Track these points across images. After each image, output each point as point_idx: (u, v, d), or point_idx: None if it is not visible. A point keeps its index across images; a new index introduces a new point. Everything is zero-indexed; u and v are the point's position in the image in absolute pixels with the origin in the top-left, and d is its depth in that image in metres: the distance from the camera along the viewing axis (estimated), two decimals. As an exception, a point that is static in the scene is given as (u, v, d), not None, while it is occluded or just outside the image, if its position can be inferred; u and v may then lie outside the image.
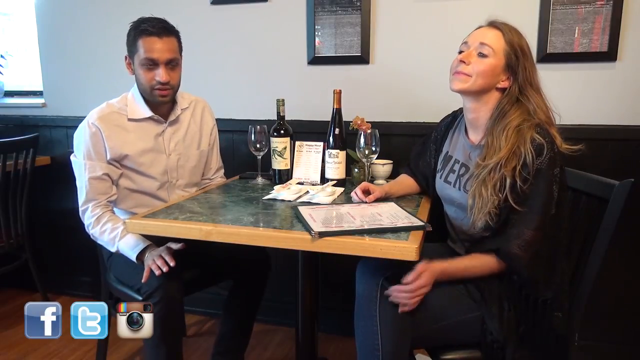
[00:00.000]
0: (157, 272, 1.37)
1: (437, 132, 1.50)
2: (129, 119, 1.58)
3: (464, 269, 1.22)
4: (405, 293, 1.14)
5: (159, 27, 1.49)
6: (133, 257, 1.46)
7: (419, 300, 1.15)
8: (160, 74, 1.50)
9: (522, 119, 1.19)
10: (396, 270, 1.21)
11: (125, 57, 1.57)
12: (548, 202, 1.14)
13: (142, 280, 1.39)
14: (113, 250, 1.50)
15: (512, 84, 1.23)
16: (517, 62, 1.22)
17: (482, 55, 1.22)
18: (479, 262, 1.21)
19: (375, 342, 1.16)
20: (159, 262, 1.38)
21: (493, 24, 1.26)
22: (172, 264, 1.37)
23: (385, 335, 1.15)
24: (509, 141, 1.17)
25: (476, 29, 1.29)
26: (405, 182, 1.56)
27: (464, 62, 1.24)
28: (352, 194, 1.43)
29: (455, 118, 1.46)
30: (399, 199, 1.48)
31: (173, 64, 1.54)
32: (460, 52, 1.27)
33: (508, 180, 1.15)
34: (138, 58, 1.51)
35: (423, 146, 1.55)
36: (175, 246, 1.42)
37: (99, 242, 1.54)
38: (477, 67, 1.22)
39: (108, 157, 1.53)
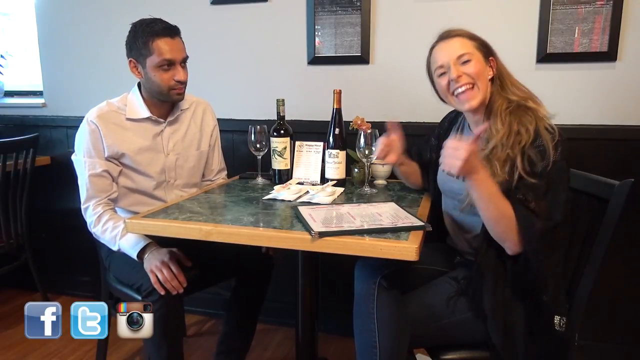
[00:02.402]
0: (167, 286, 1.38)
1: (440, 127, 1.52)
2: (127, 119, 1.59)
3: (486, 192, 1.14)
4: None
5: (169, 28, 1.51)
6: (134, 256, 1.46)
7: (451, 164, 1.11)
8: (179, 73, 1.52)
9: (508, 101, 1.23)
10: (394, 268, 1.21)
11: (130, 61, 1.54)
12: (566, 195, 1.14)
13: (154, 284, 1.39)
14: (115, 248, 1.50)
15: (495, 72, 1.27)
16: (488, 50, 1.27)
17: (466, 62, 1.24)
18: (504, 206, 1.14)
19: (373, 340, 1.16)
20: (167, 273, 1.39)
21: (449, 35, 1.29)
22: (183, 283, 1.40)
23: (382, 332, 1.16)
24: (505, 122, 1.19)
25: (435, 50, 1.31)
26: (414, 164, 1.57)
27: (460, 76, 1.24)
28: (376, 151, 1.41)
29: (459, 114, 1.47)
30: (400, 199, 1.48)
31: (185, 63, 1.56)
32: (442, 75, 1.28)
33: (519, 159, 1.14)
34: (153, 61, 1.49)
35: (426, 144, 1.57)
36: (179, 257, 1.46)
37: (101, 240, 1.54)
38: (471, 70, 1.23)
39: (106, 155, 1.54)
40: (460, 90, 1.25)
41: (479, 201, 1.18)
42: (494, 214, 1.15)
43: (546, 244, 1.14)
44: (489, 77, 1.27)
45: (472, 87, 1.24)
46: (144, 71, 1.53)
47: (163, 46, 1.48)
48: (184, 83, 1.55)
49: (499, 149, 1.19)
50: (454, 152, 1.10)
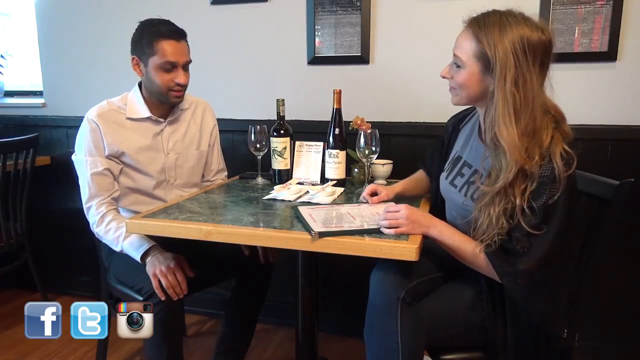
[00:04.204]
0: (169, 292, 1.38)
1: (445, 132, 1.45)
2: (128, 118, 1.59)
3: (450, 243, 1.16)
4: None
5: (176, 31, 1.52)
6: (137, 258, 1.46)
7: (395, 225, 1.12)
8: (180, 77, 1.52)
9: (520, 129, 1.06)
10: (416, 281, 1.17)
11: (133, 58, 1.55)
12: (558, 232, 1.06)
13: (155, 289, 1.39)
14: (117, 249, 1.50)
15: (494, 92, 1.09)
16: (490, 69, 1.08)
17: (457, 66, 1.16)
18: (470, 251, 1.15)
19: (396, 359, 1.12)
20: (171, 280, 1.38)
21: (466, 22, 1.15)
22: (185, 291, 1.40)
23: (406, 352, 1.11)
24: (511, 159, 1.06)
25: None
26: (421, 179, 1.55)
27: (445, 77, 1.20)
28: (361, 197, 1.44)
29: (465, 116, 1.40)
30: (399, 200, 1.48)
31: (187, 66, 1.57)
32: None
33: (518, 204, 1.06)
34: (155, 61, 1.50)
35: (435, 145, 1.51)
36: (183, 265, 1.45)
37: (104, 240, 1.54)
38: (457, 78, 1.16)
39: (106, 153, 1.54)
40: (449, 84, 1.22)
41: (448, 251, 1.18)
42: (467, 259, 1.16)
43: (540, 287, 1.09)
44: (491, 88, 1.09)
45: (455, 89, 1.20)
46: (146, 70, 1.53)
47: (167, 48, 1.49)
48: (183, 86, 1.55)
49: (502, 194, 1.09)
50: (395, 214, 1.13)
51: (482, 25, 1.10)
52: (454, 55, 1.16)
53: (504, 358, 1.17)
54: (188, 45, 1.57)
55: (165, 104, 1.61)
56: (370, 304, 1.17)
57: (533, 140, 1.07)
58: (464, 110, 1.42)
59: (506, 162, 1.07)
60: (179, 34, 1.52)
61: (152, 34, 1.50)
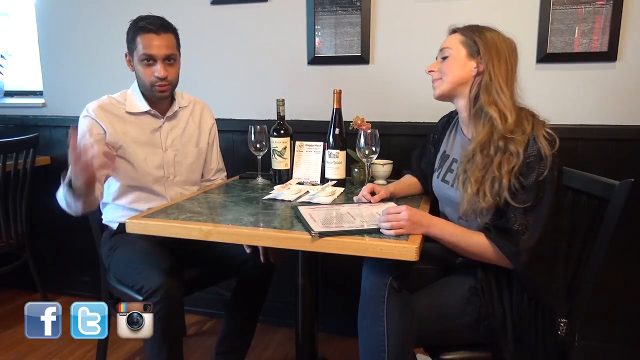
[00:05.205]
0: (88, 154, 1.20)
1: (435, 132, 1.52)
2: (127, 112, 1.61)
3: (453, 239, 1.19)
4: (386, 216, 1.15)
5: (157, 24, 1.52)
6: (67, 189, 1.34)
7: (397, 226, 1.12)
8: (158, 70, 1.53)
9: (498, 111, 1.18)
10: (404, 269, 1.19)
11: (126, 55, 1.59)
12: (551, 207, 1.12)
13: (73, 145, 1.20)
14: (61, 193, 1.39)
15: (482, 69, 1.23)
16: (479, 48, 1.23)
17: (444, 58, 1.29)
18: (473, 241, 1.18)
19: (382, 343, 1.14)
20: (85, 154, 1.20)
21: (451, 30, 1.33)
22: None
23: (392, 336, 1.14)
24: (485, 128, 1.19)
25: None
26: (410, 182, 1.57)
27: (432, 71, 1.32)
28: (360, 196, 1.43)
29: (452, 117, 1.47)
30: (400, 199, 1.48)
31: (171, 60, 1.56)
32: None
33: (505, 182, 1.13)
34: (137, 54, 1.53)
35: (423, 149, 1.57)
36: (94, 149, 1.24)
37: (63, 206, 1.45)
38: (442, 67, 1.29)
39: (106, 140, 1.54)
40: (432, 80, 1.33)
41: (451, 248, 1.21)
42: (472, 250, 1.18)
43: (539, 261, 1.13)
44: (473, 73, 1.24)
45: (440, 79, 1.30)
46: (134, 65, 1.57)
47: (146, 41, 1.51)
48: (164, 79, 1.54)
49: (486, 162, 1.17)
50: (397, 216, 1.14)
51: (463, 27, 1.30)
52: (441, 50, 1.31)
53: (505, 346, 1.17)
54: (176, 39, 1.58)
55: (152, 98, 1.61)
56: (361, 292, 1.21)
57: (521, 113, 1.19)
58: (449, 113, 1.51)
59: (489, 115, 1.18)
60: (159, 28, 1.52)
61: (135, 29, 1.53)
